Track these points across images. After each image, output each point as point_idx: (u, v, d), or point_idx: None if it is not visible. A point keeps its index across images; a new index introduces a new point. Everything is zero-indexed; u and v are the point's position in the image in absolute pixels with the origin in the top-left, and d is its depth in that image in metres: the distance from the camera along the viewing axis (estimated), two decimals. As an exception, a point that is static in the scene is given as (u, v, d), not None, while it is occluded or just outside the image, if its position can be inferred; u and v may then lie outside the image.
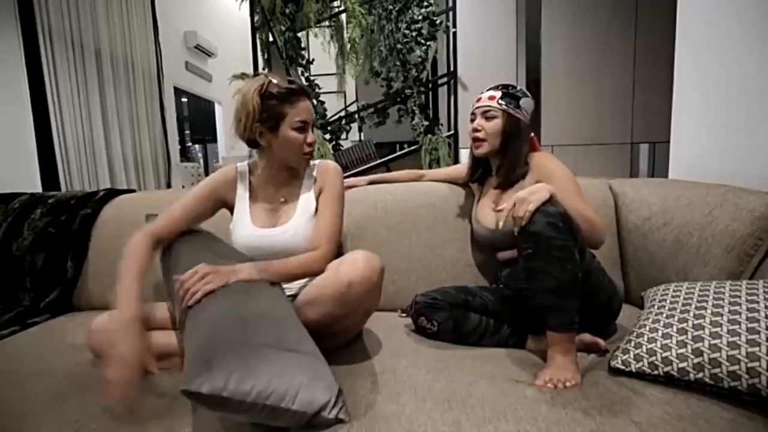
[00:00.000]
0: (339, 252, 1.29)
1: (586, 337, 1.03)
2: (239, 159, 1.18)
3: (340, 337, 1.05)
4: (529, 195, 0.92)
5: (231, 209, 1.17)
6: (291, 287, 1.11)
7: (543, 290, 0.91)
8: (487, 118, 1.21)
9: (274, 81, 1.05)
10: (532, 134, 1.26)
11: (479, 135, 1.22)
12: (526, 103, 1.22)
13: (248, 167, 1.18)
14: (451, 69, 3.38)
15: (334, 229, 1.12)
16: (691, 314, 0.86)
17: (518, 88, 1.23)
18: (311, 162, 1.18)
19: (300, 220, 1.12)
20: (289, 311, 0.91)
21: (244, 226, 1.12)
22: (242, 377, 0.69)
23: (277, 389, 0.70)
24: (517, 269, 1.19)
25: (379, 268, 0.96)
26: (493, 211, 1.18)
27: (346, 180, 1.48)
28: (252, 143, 1.10)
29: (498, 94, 1.21)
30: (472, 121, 1.25)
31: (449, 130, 3.43)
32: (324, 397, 0.74)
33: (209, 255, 1.01)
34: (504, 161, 1.23)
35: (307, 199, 1.15)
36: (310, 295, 0.98)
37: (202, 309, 0.87)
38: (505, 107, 1.20)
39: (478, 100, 1.25)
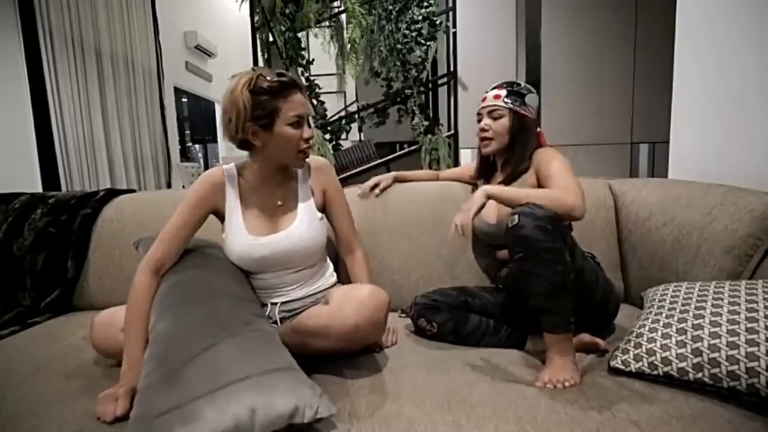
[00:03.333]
0: (334, 255, 1.30)
1: (586, 337, 1.03)
2: (240, 159, 1.15)
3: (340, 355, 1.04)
4: (465, 206, 1.01)
5: (220, 216, 1.10)
6: (290, 297, 1.10)
7: (536, 293, 0.91)
8: (494, 118, 1.21)
9: (264, 75, 0.97)
10: (539, 129, 1.26)
11: (487, 134, 1.22)
12: (532, 99, 1.22)
13: (236, 169, 1.11)
14: (451, 69, 3.38)
15: (354, 225, 1.22)
16: (691, 314, 0.86)
17: (522, 84, 1.23)
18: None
19: (304, 221, 1.08)
20: (224, 331, 0.84)
21: (241, 236, 1.05)
22: None
23: (227, 428, 0.67)
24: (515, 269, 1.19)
25: (386, 306, 0.95)
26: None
27: (375, 177, 1.54)
28: (245, 144, 1.03)
29: (503, 92, 1.21)
30: (479, 120, 1.25)
31: (449, 130, 3.43)
32: (287, 406, 0.70)
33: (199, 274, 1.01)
34: (510, 158, 1.23)
35: (306, 199, 1.12)
36: (314, 327, 0.92)
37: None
38: (511, 105, 1.20)
39: (484, 99, 1.24)
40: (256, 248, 1.05)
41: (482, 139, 1.24)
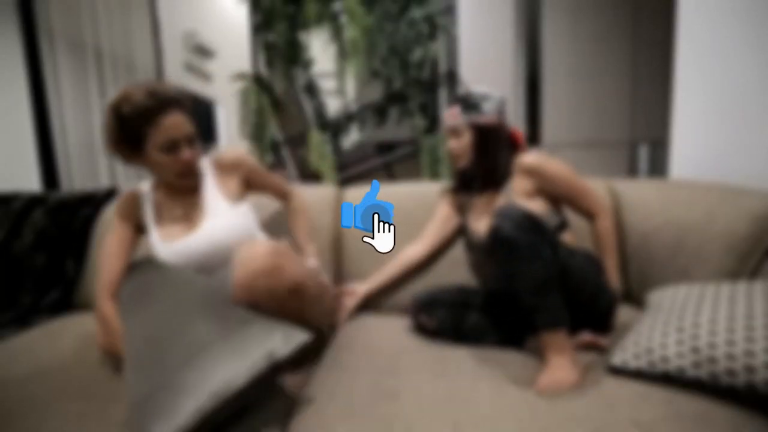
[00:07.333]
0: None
1: (586, 336, 1.03)
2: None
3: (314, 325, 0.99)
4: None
5: (144, 232, 1.10)
6: None
7: (522, 292, 0.93)
8: (457, 137, 1.21)
9: (129, 97, 0.91)
10: (511, 128, 1.24)
11: (454, 154, 1.23)
12: (489, 103, 1.19)
13: (150, 185, 1.11)
14: (451, 69, 3.38)
15: (281, 180, 1.25)
16: (690, 313, 0.87)
17: (477, 92, 1.21)
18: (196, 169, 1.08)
19: (217, 215, 1.06)
20: (191, 310, 0.85)
21: (160, 247, 1.04)
22: (170, 414, 0.69)
23: (211, 389, 0.70)
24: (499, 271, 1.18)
25: (262, 273, 0.86)
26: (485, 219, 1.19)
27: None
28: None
29: (457, 110, 1.20)
30: (447, 138, 1.25)
31: (449, 130, 3.43)
32: (262, 351, 0.74)
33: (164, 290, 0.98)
34: (482, 169, 1.22)
35: (215, 197, 1.09)
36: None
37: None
38: (467, 120, 1.19)
39: (445, 119, 1.24)
40: (174, 255, 1.02)
41: (452, 158, 1.24)
